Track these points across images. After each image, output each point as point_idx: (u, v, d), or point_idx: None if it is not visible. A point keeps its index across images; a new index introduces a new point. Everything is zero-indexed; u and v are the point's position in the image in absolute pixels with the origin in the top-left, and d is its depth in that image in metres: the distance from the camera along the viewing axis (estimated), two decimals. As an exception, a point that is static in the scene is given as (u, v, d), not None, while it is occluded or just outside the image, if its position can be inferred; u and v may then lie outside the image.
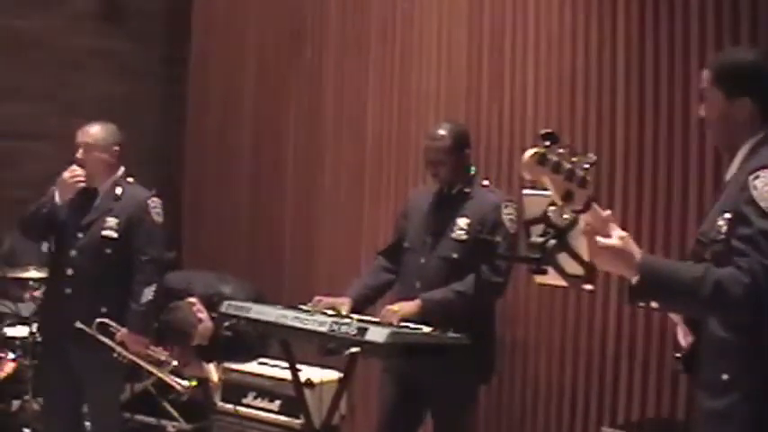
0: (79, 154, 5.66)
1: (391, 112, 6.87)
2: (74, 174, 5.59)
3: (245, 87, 8.05)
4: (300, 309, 5.04)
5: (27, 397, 6.64)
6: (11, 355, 6.71)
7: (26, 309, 5.98)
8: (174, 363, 5.85)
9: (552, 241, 3.07)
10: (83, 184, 5.61)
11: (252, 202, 7.90)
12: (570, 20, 5.81)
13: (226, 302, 5.19)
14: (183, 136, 8.65)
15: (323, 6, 7.46)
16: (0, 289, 6.74)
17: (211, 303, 5.80)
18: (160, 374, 5.76)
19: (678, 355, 3.37)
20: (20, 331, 6.74)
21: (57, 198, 5.63)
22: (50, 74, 9.71)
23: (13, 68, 9.58)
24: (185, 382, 5.72)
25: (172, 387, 5.78)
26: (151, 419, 6.29)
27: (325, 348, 4.76)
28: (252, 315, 5.00)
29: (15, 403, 6.80)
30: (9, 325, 6.87)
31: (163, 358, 5.78)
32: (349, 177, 7.11)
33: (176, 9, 9.83)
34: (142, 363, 5.67)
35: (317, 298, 5.13)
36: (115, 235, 5.65)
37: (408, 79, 6.74)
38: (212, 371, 5.91)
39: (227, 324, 5.16)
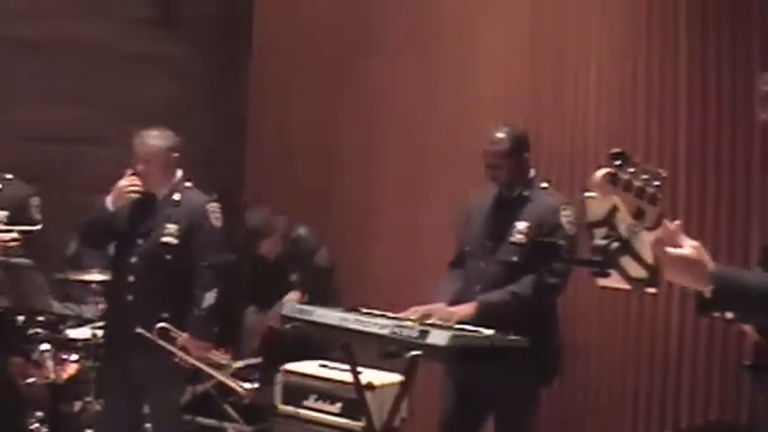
0: (138, 162, 5.68)
1: (449, 116, 6.87)
2: (131, 182, 5.61)
3: (304, 91, 8.07)
4: (361, 311, 5.05)
5: (89, 398, 6.69)
6: (73, 357, 6.78)
7: (89, 311, 6.03)
8: (236, 365, 5.89)
9: (615, 244, 3.06)
10: (136, 195, 5.63)
11: (312, 204, 7.91)
12: (632, 25, 5.78)
13: (288, 305, 5.22)
14: (242, 139, 8.68)
15: (381, 11, 7.47)
16: (64, 291, 6.79)
17: (292, 240, 6.13)
18: (221, 378, 5.79)
19: (747, 363, 3.34)
20: (82, 333, 6.81)
21: (109, 204, 5.65)
22: (107, 79, 9.80)
23: (71, 74, 9.67)
24: (246, 385, 5.76)
25: (233, 390, 5.81)
26: (212, 421, 6.29)
27: (387, 351, 4.77)
28: (314, 318, 5.02)
29: (77, 404, 6.86)
30: (71, 327, 6.95)
31: (224, 362, 5.81)
32: (405, 180, 7.11)
33: (232, 13, 9.88)
34: (203, 367, 5.70)
35: (414, 308, 5.11)
36: (175, 241, 5.67)
37: (467, 84, 6.75)
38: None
39: (289, 327, 5.18)
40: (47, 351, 6.89)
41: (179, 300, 5.63)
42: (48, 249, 6.07)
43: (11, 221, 5.92)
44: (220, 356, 5.80)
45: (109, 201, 5.67)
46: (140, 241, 5.69)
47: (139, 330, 5.50)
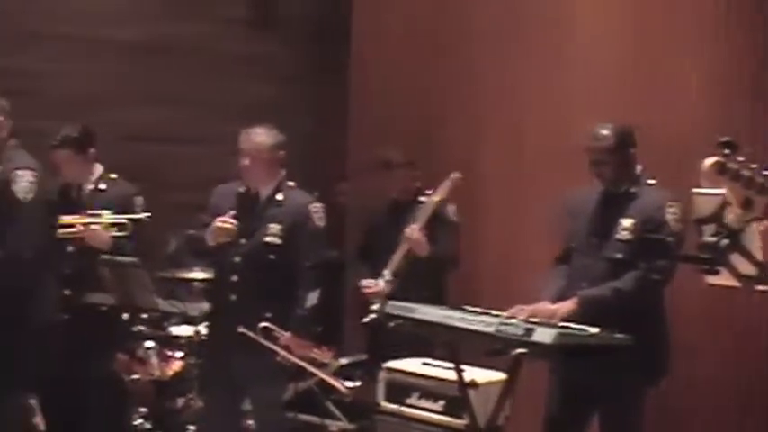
0: (245, 160, 5.71)
1: (551, 114, 6.82)
2: (224, 222, 5.64)
3: (405, 91, 8.06)
4: (465, 309, 5.04)
5: (191, 395, 6.77)
6: (178, 354, 6.86)
7: (194, 309, 6.10)
8: (337, 364, 5.91)
9: (725, 241, 3.02)
10: (228, 239, 5.65)
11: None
12: (736, 13, 5.69)
13: (390, 303, 5.23)
14: (342, 139, 8.70)
15: (480, 7, 7.44)
16: (166, 289, 6.88)
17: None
18: (324, 376, 5.81)
19: None
20: (185, 330, 6.89)
21: (208, 240, 5.70)
22: (204, 79, 9.91)
23: (168, 74, 9.80)
24: (348, 383, 5.77)
25: (335, 389, 5.83)
26: (314, 418, 6.32)
27: (492, 349, 4.75)
28: (417, 315, 5.02)
29: (180, 401, 6.94)
30: (175, 324, 7.03)
31: (326, 360, 5.84)
32: (510, 179, 7.08)
33: (330, 12, 9.93)
34: (306, 365, 5.72)
35: (519, 306, 5.08)
36: (279, 241, 5.70)
37: (568, 80, 6.69)
38: None
39: (392, 324, 5.18)
40: (152, 348, 7.00)
41: (282, 299, 5.66)
42: (149, 248, 6.14)
43: (115, 222, 6.00)
44: (322, 355, 5.83)
45: (208, 236, 5.71)
46: (244, 241, 5.73)
47: (242, 330, 5.54)
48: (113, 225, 5.88)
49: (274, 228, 5.70)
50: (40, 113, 6.94)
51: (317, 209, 5.78)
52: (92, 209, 5.98)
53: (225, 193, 5.92)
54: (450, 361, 5.24)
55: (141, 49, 9.70)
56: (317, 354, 5.79)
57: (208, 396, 6.15)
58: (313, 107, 10.03)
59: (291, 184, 5.85)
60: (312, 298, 5.62)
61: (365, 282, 6.42)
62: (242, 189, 5.86)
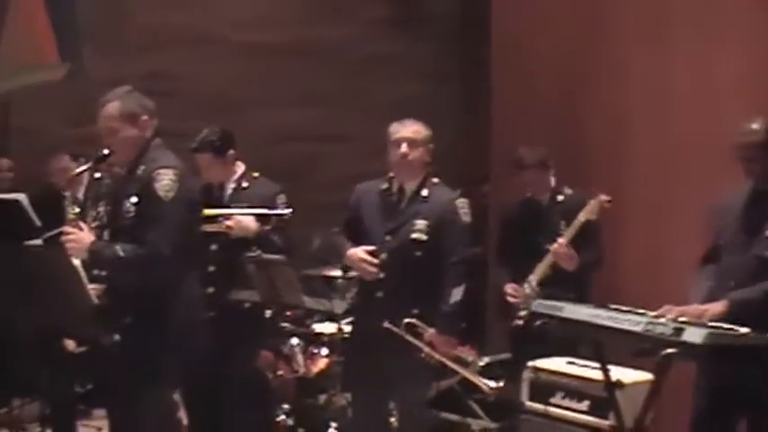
0: (403, 148, 5.72)
1: (699, 107, 6.69)
2: (363, 261, 5.68)
3: (548, 86, 8.00)
4: (612, 308, 4.95)
5: (334, 392, 6.80)
6: (323, 351, 6.90)
7: (339, 306, 6.13)
8: (481, 363, 5.87)
9: None
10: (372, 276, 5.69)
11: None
12: None
13: (537, 301, 5.17)
14: (485, 137, 8.66)
15: (624, 3, 7.34)
16: (310, 287, 6.94)
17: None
18: (467, 375, 5.77)
19: None
20: (328, 327, 6.93)
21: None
22: (348, 79, 9.98)
23: (313, 75, 9.90)
24: (491, 383, 5.73)
25: (478, 387, 5.79)
26: (456, 417, 6.31)
27: (640, 349, 4.66)
28: (564, 314, 4.95)
29: (322, 398, 6.98)
30: (318, 321, 7.08)
31: (470, 358, 5.80)
32: (658, 173, 6.96)
33: (471, 11, 9.90)
34: (449, 363, 5.69)
35: (667, 306, 4.98)
36: (425, 237, 5.68)
37: (716, 72, 6.55)
38: None
39: (538, 323, 5.13)
40: (296, 345, 7.06)
41: (428, 296, 5.64)
42: (293, 245, 6.19)
43: (259, 218, 6.07)
44: (466, 353, 5.80)
45: (347, 261, 5.82)
46: (389, 238, 5.73)
47: (387, 325, 5.54)
48: (257, 221, 5.95)
49: (420, 224, 5.68)
50: (185, 115, 7.07)
51: (462, 204, 5.75)
52: (234, 207, 6.05)
53: (367, 191, 5.93)
54: (597, 360, 5.16)
55: (285, 52, 9.82)
56: (461, 351, 5.77)
57: (354, 393, 6.17)
58: (456, 105, 10.02)
59: (436, 180, 5.83)
60: (456, 294, 5.59)
61: (510, 288, 6.42)
62: (384, 186, 5.86)
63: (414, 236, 5.67)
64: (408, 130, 5.75)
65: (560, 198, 6.50)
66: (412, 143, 5.71)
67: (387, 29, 10.39)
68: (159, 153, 5.01)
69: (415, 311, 5.59)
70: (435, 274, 5.63)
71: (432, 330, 5.58)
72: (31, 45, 8.37)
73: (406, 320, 5.56)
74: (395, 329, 5.54)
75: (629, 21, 7.29)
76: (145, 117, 5.03)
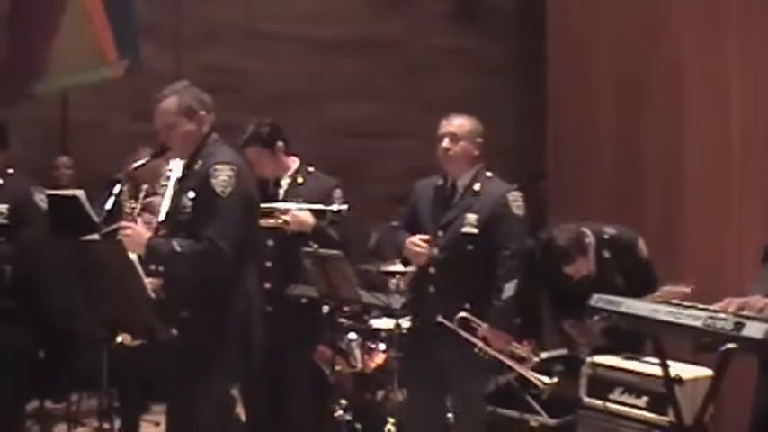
0: (445, 143, 5.70)
1: (757, 103, 6.60)
2: (414, 244, 5.67)
3: (604, 82, 7.94)
4: (672, 303, 4.88)
5: (391, 387, 6.78)
6: (381, 347, 6.89)
7: (395, 301, 6.12)
8: (536, 359, 5.82)
9: None
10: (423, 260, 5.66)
11: (614, 196, 7.78)
12: None
13: (596, 296, 5.11)
14: (542, 131, 8.61)
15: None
16: (367, 282, 6.93)
17: (602, 240, 5.84)
18: (522, 371, 5.73)
19: None
20: (386, 323, 6.91)
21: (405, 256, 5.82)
22: (408, 73, 9.97)
23: (372, 70, 9.90)
24: (546, 379, 5.68)
25: (533, 384, 5.75)
26: (514, 413, 6.28)
27: (701, 344, 4.59)
28: (623, 309, 4.89)
29: (380, 393, 6.97)
30: (375, 317, 7.07)
31: (524, 354, 5.75)
32: (715, 171, 6.89)
33: (529, 6, 9.86)
34: (503, 359, 5.65)
35: (728, 299, 4.91)
36: (476, 231, 5.64)
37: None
38: None
39: (598, 318, 5.07)
40: (354, 340, 7.05)
41: (481, 290, 5.61)
42: (350, 240, 6.18)
43: (315, 212, 6.07)
44: (521, 348, 5.75)
45: (406, 254, 5.82)
46: (441, 233, 5.71)
47: (440, 320, 5.52)
48: (314, 216, 5.95)
49: (471, 218, 5.65)
50: (242, 109, 7.08)
51: (515, 197, 5.70)
52: (290, 202, 6.06)
53: (424, 187, 5.93)
54: (656, 355, 5.10)
55: (343, 47, 9.84)
56: (515, 347, 5.72)
57: (410, 388, 6.15)
58: (515, 100, 9.98)
59: (489, 174, 5.79)
60: (509, 289, 5.54)
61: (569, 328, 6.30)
62: (440, 182, 5.84)
63: (464, 230, 5.64)
64: (451, 124, 5.74)
65: (607, 254, 6.08)
66: (453, 138, 5.70)
67: (445, 23, 10.38)
68: (216, 148, 5.01)
69: (468, 306, 5.56)
70: (488, 268, 5.59)
71: (485, 325, 5.54)
72: (90, 44, 8.43)
73: (460, 315, 5.53)
74: (448, 324, 5.52)
75: (687, 13, 7.21)
76: (202, 112, 5.03)
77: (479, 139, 5.74)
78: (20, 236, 5.83)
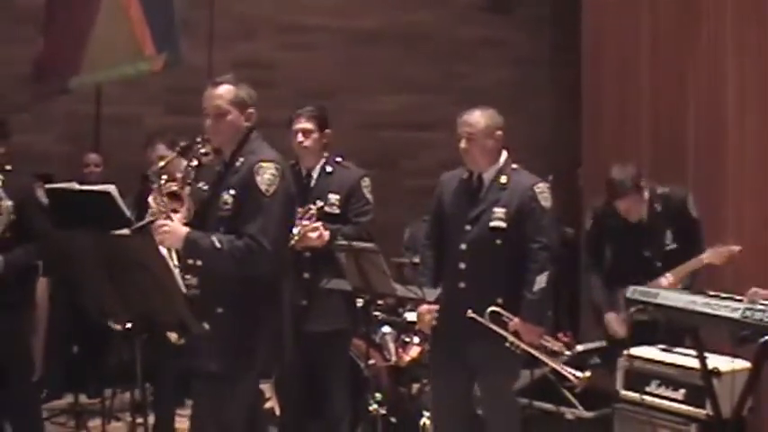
0: (462, 143, 5.65)
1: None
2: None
3: (641, 68, 7.88)
4: (709, 294, 4.84)
5: (426, 381, 6.74)
6: (416, 340, 6.86)
7: (430, 294, 6.07)
8: (568, 353, 5.77)
9: None
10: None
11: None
12: None
13: (632, 288, 5.06)
14: (579, 121, 8.55)
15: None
16: (401, 275, 6.90)
17: (655, 193, 6.07)
18: (554, 365, 5.66)
19: None
20: (413, 316, 6.87)
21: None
22: (442, 65, 9.94)
23: (406, 62, 9.88)
24: (578, 373, 5.63)
25: (565, 378, 5.70)
26: (549, 406, 6.24)
27: (739, 336, 4.55)
28: (659, 301, 4.85)
29: (415, 387, 6.95)
30: (410, 310, 7.03)
31: (556, 348, 5.70)
32: (755, 157, 6.81)
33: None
34: (535, 353, 5.58)
35: (754, 289, 4.86)
36: (504, 225, 5.56)
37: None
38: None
39: (634, 310, 5.02)
40: (389, 334, 7.03)
41: (512, 284, 5.56)
42: (384, 233, 6.15)
43: (342, 203, 6.08)
44: (553, 342, 5.68)
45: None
46: (468, 227, 5.64)
47: (471, 315, 5.48)
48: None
49: (499, 212, 5.57)
50: (278, 103, 7.05)
51: (541, 189, 5.61)
52: (321, 192, 6.05)
53: (449, 180, 5.87)
54: (694, 348, 5.05)
55: (379, 38, 9.82)
56: (547, 340, 5.66)
57: (440, 382, 6.12)
58: (553, 89, 9.93)
59: (515, 166, 5.71)
60: (540, 281, 5.47)
61: (613, 319, 6.35)
62: (465, 175, 5.79)
63: (492, 224, 5.56)
64: (466, 123, 5.65)
65: (659, 208, 6.26)
66: (470, 137, 5.61)
67: (479, 14, 10.34)
68: (257, 145, 5.00)
69: (500, 300, 5.51)
70: (519, 261, 5.53)
71: (516, 319, 5.50)
72: (126, 39, 8.44)
73: (491, 309, 5.48)
74: (479, 319, 5.47)
75: (725, 1, 7.14)
76: (251, 109, 5.03)
77: (499, 132, 5.64)
78: (30, 232, 5.92)
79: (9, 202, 5.93)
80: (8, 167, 6.06)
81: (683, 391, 5.49)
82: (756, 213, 6.85)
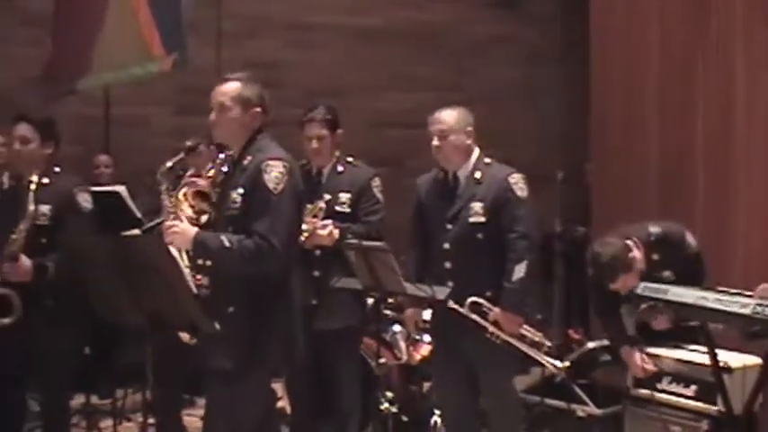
0: (435, 141, 5.70)
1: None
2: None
3: (649, 65, 7.86)
4: (719, 290, 4.82)
5: (437, 379, 6.74)
6: (426, 338, 6.86)
7: (440, 292, 6.07)
8: (548, 344, 5.78)
9: None
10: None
11: (660, 182, 7.70)
12: None
13: (642, 284, 5.05)
14: (587, 117, 8.55)
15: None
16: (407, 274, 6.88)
17: (649, 243, 5.67)
18: (534, 356, 5.70)
19: None
20: (427, 314, 6.86)
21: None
22: (453, 62, 9.92)
23: (417, 59, 9.87)
24: (558, 363, 5.68)
25: (584, 374, 5.72)
26: (560, 403, 6.25)
27: (750, 332, 4.54)
28: (669, 297, 4.84)
29: (426, 385, 6.95)
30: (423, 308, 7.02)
31: (537, 339, 5.72)
32: (764, 150, 6.80)
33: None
34: (515, 343, 5.63)
35: (764, 285, 4.85)
36: (483, 219, 5.67)
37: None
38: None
39: (644, 306, 5.02)
40: (399, 332, 7.03)
41: (499, 276, 5.62)
42: (390, 232, 6.16)
43: (352, 202, 6.11)
44: (534, 333, 5.71)
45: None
46: (449, 226, 5.72)
47: (451, 305, 5.52)
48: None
49: (477, 206, 5.69)
50: (286, 102, 7.04)
51: (516, 180, 5.71)
52: (331, 191, 6.05)
53: (425, 182, 6.00)
54: (704, 344, 5.05)
55: (386, 36, 9.82)
56: (527, 331, 5.68)
57: (442, 380, 6.14)
58: (562, 86, 9.91)
59: (488, 160, 5.79)
60: (519, 270, 5.54)
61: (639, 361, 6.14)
62: (441, 175, 5.86)
63: (472, 219, 5.68)
64: (437, 121, 5.80)
65: (656, 257, 5.80)
66: (441, 134, 5.75)
67: (489, 12, 10.33)
68: (265, 144, 5.00)
69: (489, 294, 5.55)
70: (502, 254, 5.59)
71: (496, 309, 5.53)
72: (135, 40, 8.45)
73: (470, 300, 5.52)
74: (459, 309, 5.51)
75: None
76: (257, 109, 5.01)
77: (469, 128, 5.77)
78: (61, 238, 5.83)
79: (45, 207, 5.85)
80: (57, 169, 6.03)
81: (694, 387, 5.48)
82: (764, 218, 6.84)
